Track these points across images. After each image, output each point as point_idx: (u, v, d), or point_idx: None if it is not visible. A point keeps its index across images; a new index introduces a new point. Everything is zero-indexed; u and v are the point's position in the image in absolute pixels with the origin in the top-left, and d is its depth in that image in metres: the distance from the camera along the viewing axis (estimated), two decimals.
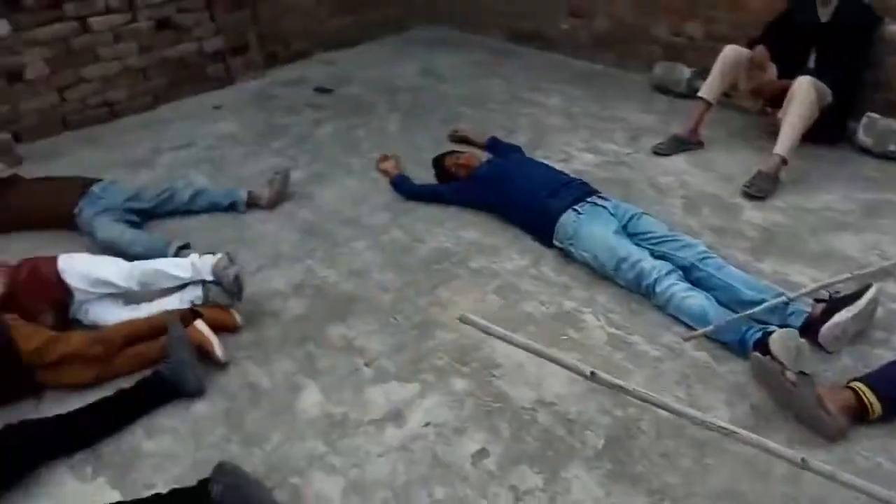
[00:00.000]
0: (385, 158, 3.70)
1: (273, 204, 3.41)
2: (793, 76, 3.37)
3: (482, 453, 2.05)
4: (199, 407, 2.28)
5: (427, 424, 2.16)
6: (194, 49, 4.71)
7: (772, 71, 3.52)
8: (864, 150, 3.57)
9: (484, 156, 3.59)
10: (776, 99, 3.48)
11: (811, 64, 3.50)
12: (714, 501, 1.85)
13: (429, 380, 2.33)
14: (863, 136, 3.56)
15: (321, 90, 4.81)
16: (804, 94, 3.29)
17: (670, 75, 4.43)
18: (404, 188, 3.44)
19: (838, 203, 3.17)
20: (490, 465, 2.01)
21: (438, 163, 3.49)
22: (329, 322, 2.63)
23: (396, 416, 2.20)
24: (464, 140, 3.90)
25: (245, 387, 2.35)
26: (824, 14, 3.45)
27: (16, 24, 3.98)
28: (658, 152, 3.72)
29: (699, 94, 3.69)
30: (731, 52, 3.57)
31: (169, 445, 2.15)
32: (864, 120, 3.56)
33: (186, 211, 3.36)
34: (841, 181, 3.34)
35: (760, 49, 3.46)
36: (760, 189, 3.26)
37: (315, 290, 2.82)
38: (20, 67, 4.06)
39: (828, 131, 3.51)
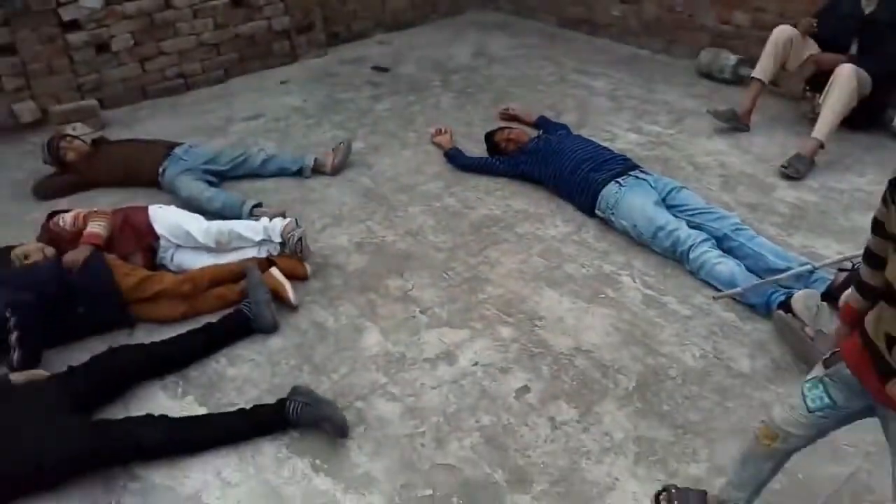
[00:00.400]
0: (439, 132, 3.96)
1: (336, 170, 3.71)
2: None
3: (524, 389, 2.31)
4: (274, 341, 2.59)
5: (475, 364, 2.42)
6: (264, 27, 5.04)
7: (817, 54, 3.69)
8: None
9: (532, 132, 3.81)
10: (818, 83, 3.63)
11: (853, 52, 3.64)
12: (730, 436, 2.08)
13: (477, 327, 2.59)
14: None
15: (379, 69, 5.10)
16: (845, 80, 3.43)
17: (716, 62, 4.58)
18: (457, 160, 3.70)
19: (869, 185, 3.32)
20: (531, 399, 2.27)
21: (490, 138, 3.73)
22: (388, 275, 2.91)
23: (448, 356, 2.46)
24: (514, 118, 4.13)
25: (314, 326, 2.65)
26: (868, 6, 3.58)
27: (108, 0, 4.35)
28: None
29: (753, 74, 3.84)
30: (781, 33, 3.72)
31: (248, 372, 2.46)
32: None
33: (257, 175, 3.68)
34: (874, 165, 3.49)
35: (808, 19, 3.62)
36: (797, 170, 3.43)
37: (375, 247, 3.11)
38: (108, 39, 4.43)
39: (865, 118, 3.65)
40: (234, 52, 4.92)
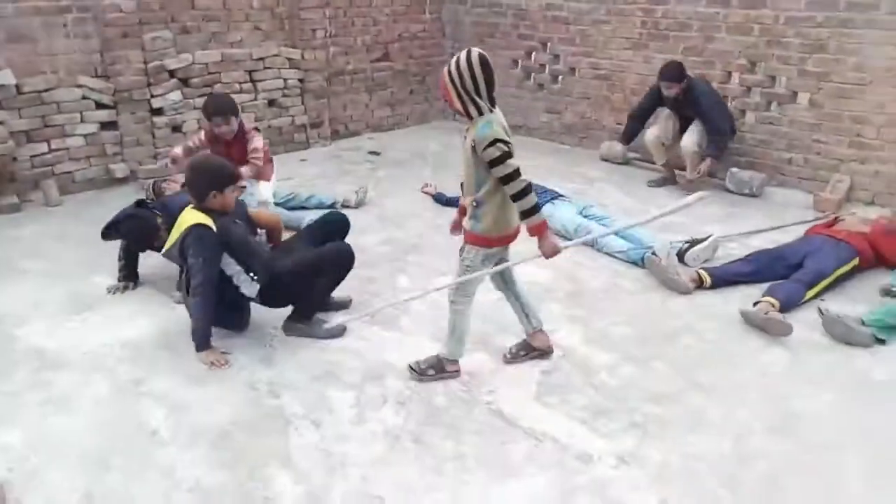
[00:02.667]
0: (426, 185, 5.69)
1: (359, 205, 5.34)
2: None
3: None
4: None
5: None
6: (288, 121, 6.79)
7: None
8: (728, 191, 5.66)
9: None
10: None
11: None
12: (625, 318, 3.72)
13: None
14: (728, 183, 5.67)
15: (373, 153, 6.88)
16: (691, 155, 5.46)
17: (611, 151, 6.57)
18: (442, 199, 5.42)
19: (711, 210, 5.20)
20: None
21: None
22: (404, 256, 4.49)
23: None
24: None
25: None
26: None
27: (184, 95, 6.03)
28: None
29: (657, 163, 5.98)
30: (650, 138, 5.79)
31: None
32: (729, 173, 5.69)
33: (303, 207, 5.24)
34: (712, 202, 5.41)
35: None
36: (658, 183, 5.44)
37: (392, 242, 4.71)
38: (181, 123, 6.06)
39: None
40: (266, 138, 6.60)
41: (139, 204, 4.13)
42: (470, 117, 2.84)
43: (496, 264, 3.13)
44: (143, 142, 5.92)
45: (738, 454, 2.73)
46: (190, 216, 3.27)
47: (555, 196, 4.99)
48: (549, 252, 2.94)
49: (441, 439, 2.80)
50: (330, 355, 3.37)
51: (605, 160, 6.61)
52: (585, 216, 4.78)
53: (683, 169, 5.83)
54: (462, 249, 3.09)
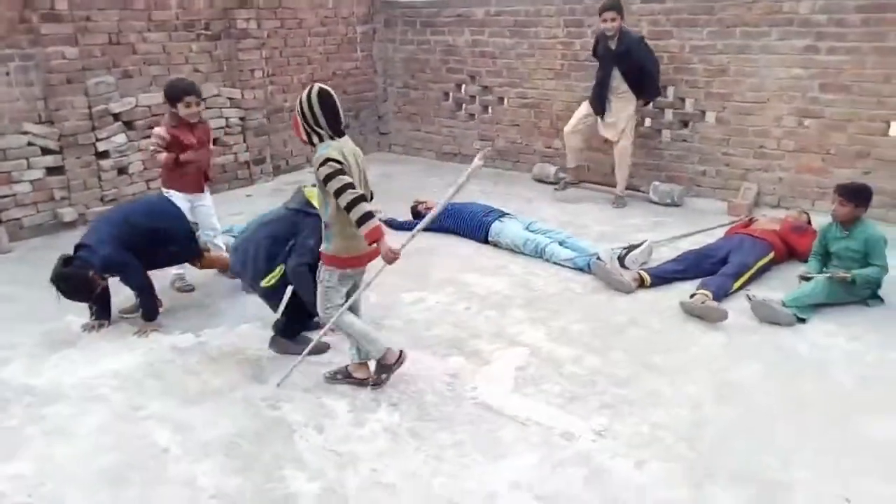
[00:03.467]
0: (377, 211, 5.96)
1: None
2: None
3: (468, 310, 4.21)
4: None
5: (437, 302, 4.30)
6: (232, 159, 6.96)
7: None
8: (652, 202, 6.24)
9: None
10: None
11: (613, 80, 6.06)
12: (581, 317, 4.12)
13: (433, 288, 4.49)
14: (651, 195, 6.25)
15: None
16: (623, 155, 6.02)
17: (543, 171, 7.08)
18: (394, 223, 5.71)
19: (640, 220, 5.73)
20: (470, 312, 4.17)
21: (414, 208, 5.81)
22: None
23: (420, 300, 4.33)
24: (420, 203, 6.23)
25: None
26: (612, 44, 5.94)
27: (128, 137, 6.12)
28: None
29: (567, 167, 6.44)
30: (568, 134, 6.33)
31: None
32: (652, 186, 6.27)
33: None
34: (640, 212, 5.95)
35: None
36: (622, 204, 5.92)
37: None
38: (126, 165, 6.14)
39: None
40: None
41: (65, 262, 3.86)
42: (312, 144, 3.19)
43: (354, 285, 3.44)
44: (89, 185, 5.96)
45: (692, 421, 3.14)
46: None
47: (502, 214, 5.40)
48: (388, 257, 3.16)
49: (436, 431, 3.08)
50: (319, 368, 3.59)
51: (538, 181, 7.10)
52: (532, 231, 5.20)
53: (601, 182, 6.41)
54: (319, 270, 3.37)
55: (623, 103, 6.04)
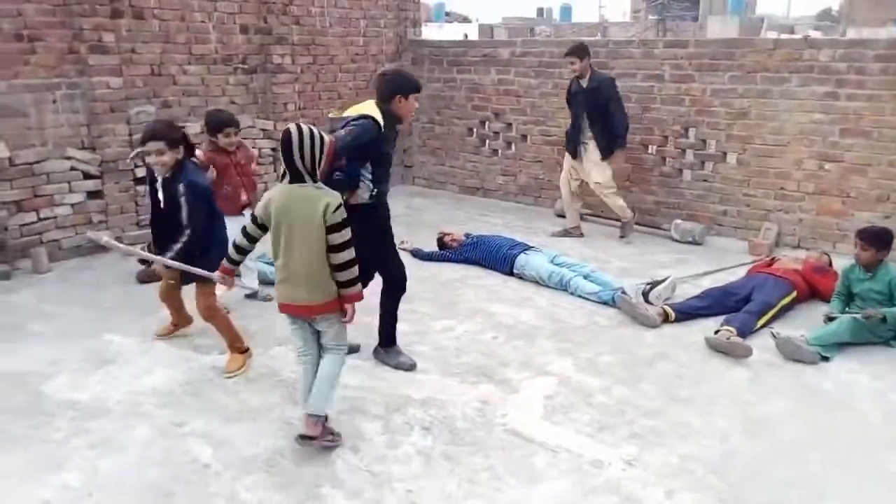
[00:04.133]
0: (403, 242, 6.12)
1: None
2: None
3: (494, 339, 4.31)
4: None
5: (466, 331, 4.41)
6: (263, 188, 7.12)
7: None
8: (674, 240, 6.34)
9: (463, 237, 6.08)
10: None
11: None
12: (608, 349, 4.21)
13: (461, 318, 4.60)
14: (673, 233, 6.36)
15: None
16: (610, 198, 6.19)
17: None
18: (420, 254, 5.85)
19: (662, 257, 5.83)
20: (498, 340, 4.27)
21: (440, 240, 5.94)
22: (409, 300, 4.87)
23: (449, 328, 4.43)
24: (447, 235, 6.37)
25: None
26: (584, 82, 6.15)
27: None
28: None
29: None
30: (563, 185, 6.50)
31: None
32: (673, 224, 6.39)
33: None
34: (662, 250, 6.05)
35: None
36: (625, 234, 6.01)
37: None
38: None
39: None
40: None
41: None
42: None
43: (312, 333, 3.23)
44: (126, 210, 6.15)
45: (722, 453, 3.20)
46: (367, 107, 3.70)
47: (527, 247, 5.52)
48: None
49: (469, 455, 3.16)
50: (351, 392, 3.68)
51: (560, 216, 7.23)
52: (556, 264, 5.31)
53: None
54: None
55: (594, 145, 6.24)
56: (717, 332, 4.22)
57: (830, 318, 4.25)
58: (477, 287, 5.23)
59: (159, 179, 3.80)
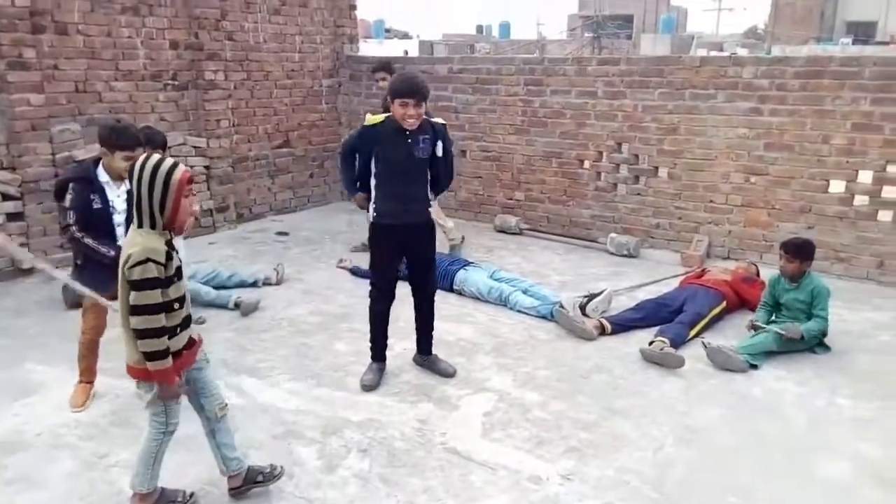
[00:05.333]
0: (342, 260, 6.05)
1: (279, 282, 5.60)
2: None
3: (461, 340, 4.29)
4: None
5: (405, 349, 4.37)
6: (196, 207, 6.95)
7: None
8: (610, 253, 6.46)
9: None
10: None
11: None
12: (546, 363, 4.23)
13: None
14: (608, 246, 6.48)
15: (281, 233, 7.17)
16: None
17: (505, 222, 7.28)
18: (360, 271, 5.78)
19: (599, 270, 5.93)
20: (441, 354, 4.25)
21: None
22: (337, 324, 4.80)
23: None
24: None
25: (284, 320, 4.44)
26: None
27: None
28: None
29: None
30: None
31: None
32: (609, 237, 6.51)
33: (223, 286, 5.41)
34: (599, 263, 6.16)
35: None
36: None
37: (322, 313, 5.00)
38: None
39: None
40: None
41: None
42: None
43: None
44: (50, 231, 5.88)
45: (656, 463, 3.24)
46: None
47: (466, 263, 5.53)
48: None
49: (407, 477, 3.11)
50: (287, 416, 3.60)
51: (500, 231, 7.28)
52: (496, 279, 5.33)
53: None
54: None
55: None
56: (651, 343, 4.30)
57: (754, 327, 4.38)
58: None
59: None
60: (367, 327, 4.18)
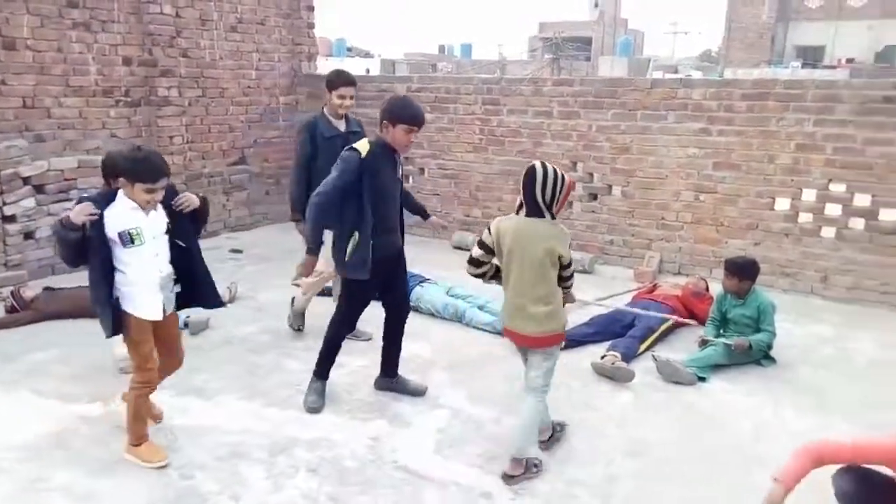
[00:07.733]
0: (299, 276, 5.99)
1: (232, 300, 5.51)
2: None
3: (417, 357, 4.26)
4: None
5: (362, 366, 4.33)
6: None
7: None
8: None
9: None
10: None
11: None
12: (501, 379, 4.23)
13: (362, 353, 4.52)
14: None
15: (235, 251, 7.07)
16: None
17: (462, 240, 7.30)
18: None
19: None
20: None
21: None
22: (289, 343, 4.74)
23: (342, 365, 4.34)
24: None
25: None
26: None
27: (38, 202, 5.94)
28: None
29: None
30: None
31: None
32: None
33: None
34: None
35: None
36: None
37: (273, 331, 4.94)
38: (34, 230, 5.94)
39: None
40: None
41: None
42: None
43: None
44: None
45: (605, 476, 3.27)
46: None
47: (423, 279, 5.53)
48: None
49: (357, 495, 3.08)
50: (232, 437, 3.53)
51: (457, 248, 7.31)
52: (452, 295, 5.34)
53: None
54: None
55: None
56: (602, 357, 4.35)
57: (704, 342, 4.47)
58: (370, 320, 5.15)
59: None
60: (318, 345, 4.14)
